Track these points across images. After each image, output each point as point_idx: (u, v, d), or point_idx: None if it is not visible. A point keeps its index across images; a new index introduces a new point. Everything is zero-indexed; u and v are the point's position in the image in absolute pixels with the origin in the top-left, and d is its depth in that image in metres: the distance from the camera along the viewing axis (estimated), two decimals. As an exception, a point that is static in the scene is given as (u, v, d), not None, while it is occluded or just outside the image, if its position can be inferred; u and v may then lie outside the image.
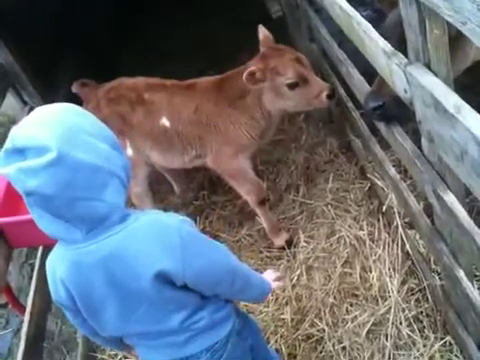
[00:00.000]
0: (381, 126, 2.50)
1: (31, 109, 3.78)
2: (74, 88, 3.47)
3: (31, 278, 3.64)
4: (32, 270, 3.92)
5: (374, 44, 1.96)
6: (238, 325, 1.93)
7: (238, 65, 3.12)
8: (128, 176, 1.58)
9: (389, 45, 1.87)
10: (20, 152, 1.37)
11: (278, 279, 2.16)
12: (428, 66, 1.64)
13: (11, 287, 3.42)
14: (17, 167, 1.35)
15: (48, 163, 1.34)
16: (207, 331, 1.80)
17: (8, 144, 1.39)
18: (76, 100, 3.41)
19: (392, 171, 2.74)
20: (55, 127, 1.39)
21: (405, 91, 1.77)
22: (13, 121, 5.42)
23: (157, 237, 1.58)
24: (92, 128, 1.49)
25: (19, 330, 3.52)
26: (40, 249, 3.30)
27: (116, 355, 3.04)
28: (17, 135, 1.39)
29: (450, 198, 1.82)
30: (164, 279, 1.60)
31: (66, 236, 1.52)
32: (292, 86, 2.89)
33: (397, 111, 2.27)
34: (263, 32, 3.05)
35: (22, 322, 2.99)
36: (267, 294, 2.05)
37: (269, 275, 2.14)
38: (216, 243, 1.82)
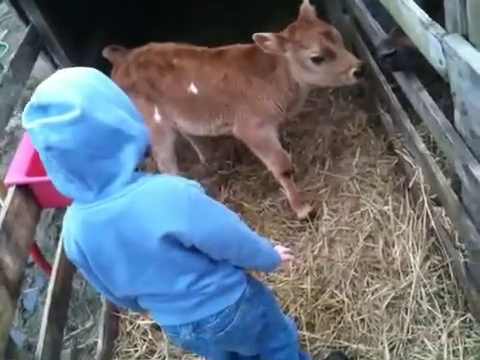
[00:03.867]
0: (413, 99, 2.46)
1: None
2: (105, 53, 3.49)
3: (57, 239, 3.75)
4: (58, 231, 4.03)
5: (411, 14, 1.92)
6: (249, 293, 1.93)
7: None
8: (146, 143, 1.60)
9: (426, 15, 1.83)
10: (44, 108, 1.43)
11: (288, 253, 2.16)
12: (466, 37, 1.61)
13: (38, 247, 3.51)
14: (42, 122, 1.41)
15: (72, 120, 1.41)
16: (216, 296, 1.83)
17: (33, 100, 1.45)
18: (106, 65, 3.44)
19: (421, 146, 2.71)
20: (79, 87, 1.45)
21: (440, 62, 1.74)
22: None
23: (166, 199, 1.60)
24: (112, 94, 1.55)
25: (45, 289, 3.63)
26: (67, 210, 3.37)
27: (138, 316, 3.11)
28: (42, 92, 1.45)
29: (480, 173, 1.79)
30: (172, 240, 1.62)
31: (78, 196, 1.58)
32: (317, 60, 2.83)
33: (408, 61, 2.36)
34: (305, 5, 2.98)
35: (48, 281, 3.07)
36: (277, 263, 2.05)
37: (279, 248, 2.15)
38: (225, 208, 1.82)
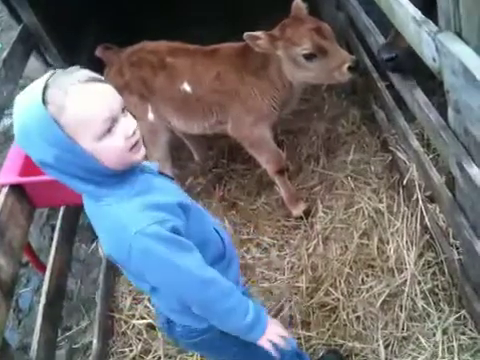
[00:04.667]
0: (407, 97, 2.46)
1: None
2: (98, 52, 3.47)
3: (51, 239, 3.72)
4: (52, 231, 4.00)
5: (404, 11, 1.92)
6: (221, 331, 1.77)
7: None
8: (89, 170, 1.48)
9: (419, 12, 1.83)
10: None
11: (279, 337, 1.77)
12: (459, 34, 1.61)
13: (32, 246, 3.50)
14: None
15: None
16: (181, 314, 1.79)
17: None
18: (99, 63, 3.42)
19: (415, 143, 2.71)
20: (16, 122, 1.44)
21: (434, 59, 1.73)
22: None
23: (110, 233, 1.56)
24: (40, 130, 1.41)
25: (39, 288, 3.61)
26: (61, 210, 3.36)
27: (133, 315, 3.10)
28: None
29: (474, 171, 1.80)
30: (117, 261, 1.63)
31: None
32: (309, 57, 2.80)
33: (410, 63, 2.34)
34: (296, 2, 2.96)
35: (42, 281, 3.06)
36: (249, 339, 1.75)
37: (273, 327, 1.77)
38: (183, 269, 1.55)
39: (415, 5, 1.88)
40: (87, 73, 1.46)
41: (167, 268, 1.54)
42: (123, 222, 1.49)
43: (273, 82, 3.05)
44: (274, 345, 1.74)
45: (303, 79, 3.01)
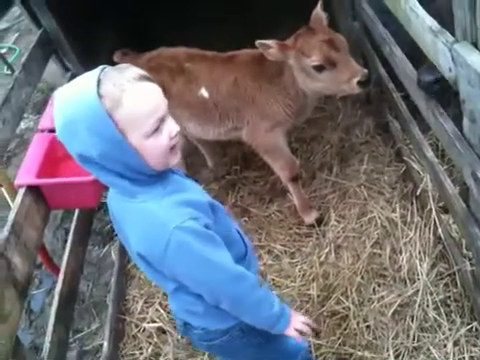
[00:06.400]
0: (422, 107, 2.47)
1: (73, 76, 3.86)
2: (115, 57, 3.52)
3: (65, 241, 3.77)
4: (66, 234, 4.04)
5: (420, 22, 1.93)
6: (246, 325, 1.81)
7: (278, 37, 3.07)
8: (130, 167, 1.50)
9: (436, 23, 1.84)
10: None
11: (306, 325, 1.84)
12: (475, 45, 1.62)
13: (46, 248, 3.53)
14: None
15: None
16: (203, 316, 1.80)
17: None
18: (117, 68, 3.46)
19: (430, 154, 2.71)
20: (62, 114, 1.45)
21: (450, 70, 1.74)
22: (52, 88, 5.54)
23: (145, 230, 1.56)
24: (91, 123, 1.44)
25: (51, 290, 3.65)
26: (76, 213, 3.39)
27: (144, 319, 3.12)
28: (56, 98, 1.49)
29: (489, 181, 1.80)
30: (145, 259, 1.61)
31: None
32: (319, 68, 2.80)
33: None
34: (316, 11, 2.95)
35: (55, 283, 3.09)
36: (278, 330, 1.80)
37: (297, 317, 1.84)
38: (216, 264, 1.59)
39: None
40: (138, 71, 1.53)
41: (202, 263, 1.57)
42: (160, 218, 1.52)
43: (287, 90, 3.07)
44: (301, 333, 1.81)
45: (314, 89, 3.01)
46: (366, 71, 2.79)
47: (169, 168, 1.61)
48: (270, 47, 2.84)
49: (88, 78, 1.45)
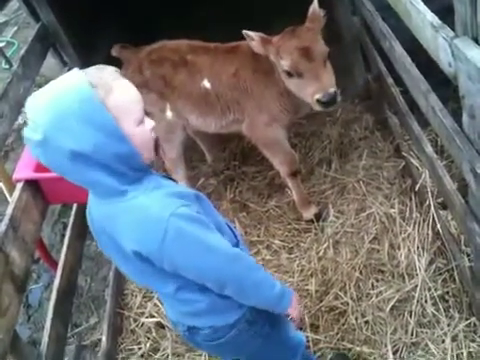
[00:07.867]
0: (421, 102, 2.46)
1: (70, 70, 3.83)
2: (114, 51, 3.49)
3: (63, 236, 3.77)
4: (64, 228, 4.05)
5: (421, 17, 1.92)
6: (251, 315, 1.84)
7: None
8: (123, 157, 1.50)
9: (436, 18, 1.83)
10: (26, 123, 1.46)
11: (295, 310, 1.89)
12: (476, 40, 1.61)
13: (44, 242, 3.53)
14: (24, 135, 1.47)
15: (36, 143, 1.43)
16: (209, 314, 1.79)
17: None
18: (115, 62, 3.44)
19: (429, 149, 2.70)
20: (49, 108, 1.42)
21: (449, 65, 1.73)
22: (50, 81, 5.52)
23: (140, 224, 1.54)
24: (85, 114, 1.42)
25: (49, 285, 3.65)
26: (74, 207, 3.39)
27: (143, 313, 3.12)
28: (28, 106, 1.46)
29: (488, 177, 1.79)
30: (143, 257, 1.59)
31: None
32: (288, 74, 2.79)
33: None
34: (313, 7, 2.90)
35: (53, 277, 3.09)
36: (280, 309, 1.86)
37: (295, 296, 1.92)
38: (214, 247, 1.62)
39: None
40: (115, 69, 1.55)
41: (202, 247, 1.59)
42: (154, 210, 1.53)
43: (279, 85, 3.03)
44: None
45: (290, 89, 2.95)
46: (332, 91, 2.66)
47: (150, 167, 1.63)
48: (252, 39, 2.83)
49: (70, 77, 1.46)
